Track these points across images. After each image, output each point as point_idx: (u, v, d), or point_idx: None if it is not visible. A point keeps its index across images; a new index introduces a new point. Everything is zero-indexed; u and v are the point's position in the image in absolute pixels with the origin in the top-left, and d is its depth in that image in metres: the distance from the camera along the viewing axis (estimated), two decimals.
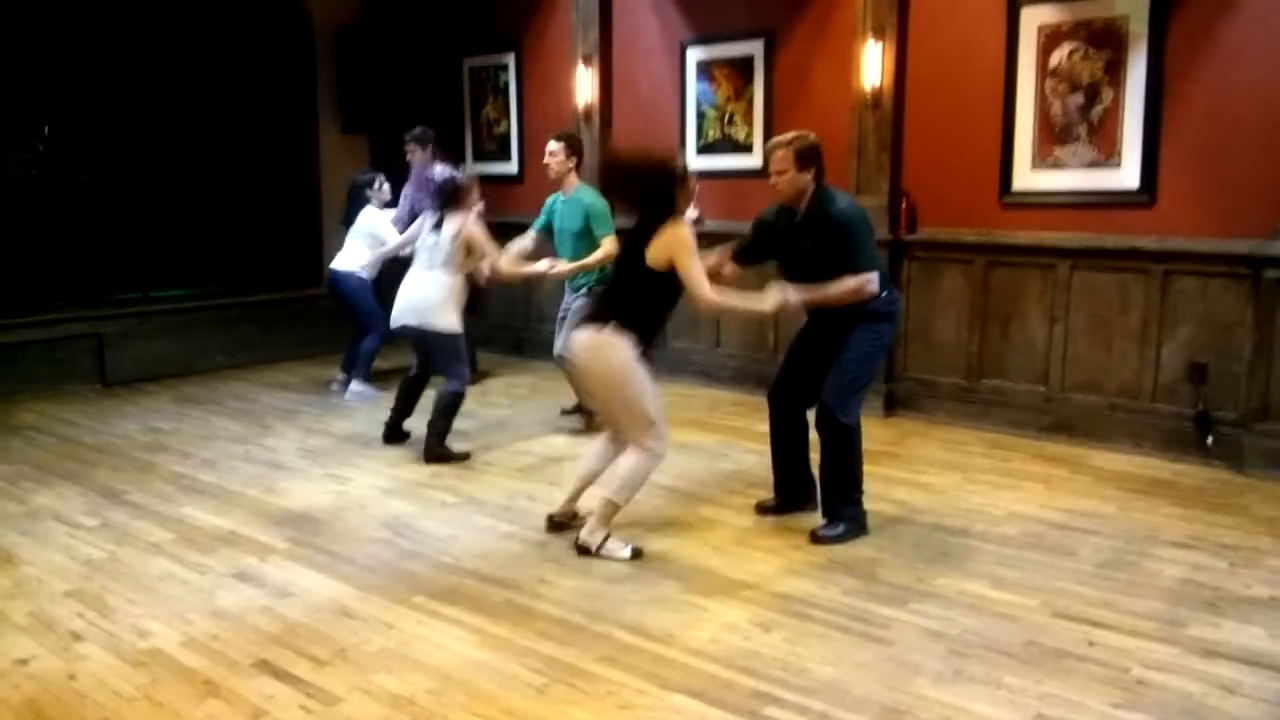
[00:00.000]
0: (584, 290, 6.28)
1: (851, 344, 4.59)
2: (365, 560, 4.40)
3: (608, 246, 6.03)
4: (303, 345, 8.72)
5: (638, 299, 4.38)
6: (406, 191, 7.71)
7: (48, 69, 7.94)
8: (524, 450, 6.07)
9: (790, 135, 4.65)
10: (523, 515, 4.95)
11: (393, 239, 7.23)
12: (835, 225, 4.49)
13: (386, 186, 7.53)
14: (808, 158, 4.53)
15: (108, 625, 3.77)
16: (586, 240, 6.15)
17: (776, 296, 4.45)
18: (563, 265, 6.16)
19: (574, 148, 6.35)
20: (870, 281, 4.48)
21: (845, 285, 4.46)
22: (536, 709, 3.18)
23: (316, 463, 5.83)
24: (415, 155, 7.61)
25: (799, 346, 4.83)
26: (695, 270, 4.26)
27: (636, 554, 4.41)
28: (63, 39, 7.95)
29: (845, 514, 4.66)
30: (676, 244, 4.26)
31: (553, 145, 6.31)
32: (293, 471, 5.67)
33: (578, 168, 6.36)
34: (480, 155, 9.24)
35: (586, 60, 8.13)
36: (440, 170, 7.46)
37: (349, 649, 3.58)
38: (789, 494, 4.92)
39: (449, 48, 9.35)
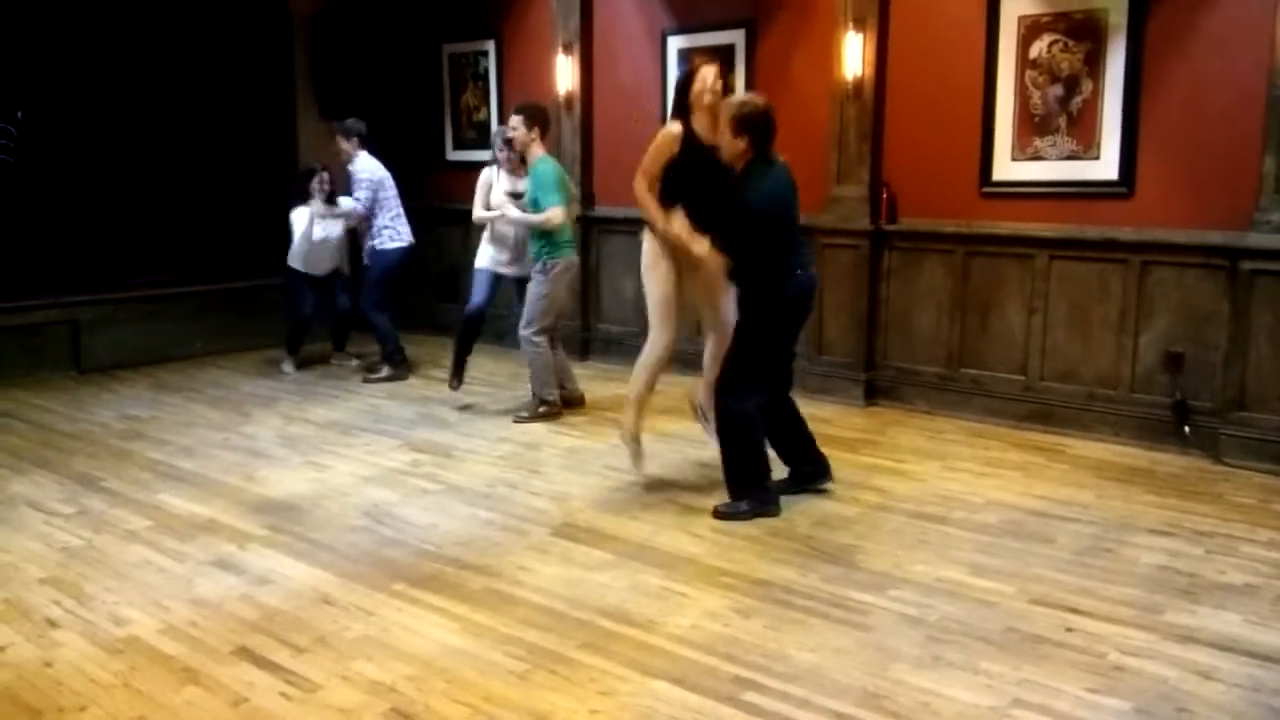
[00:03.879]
0: (539, 264, 6.32)
1: (739, 328, 4.73)
2: (345, 548, 4.38)
3: (550, 214, 6.16)
4: (281, 333, 8.62)
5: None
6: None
7: (21, 54, 7.85)
8: (504, 438, 6.06)
9: (737, 98, 4.74)
10: (503, 503, 4.94)
11: (298, 229, 7.56)
12: (741, 202, 4.59)
13: (315, 184, 7.51)
14: (744, 125, 4.57)
15: (85, 613, 3.75)
16: (539, 209, 6.23)
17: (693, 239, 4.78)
18: (510, 210, 6.39)
19: (533, 118, 6.35)
20: (707, 256, 4.67)
21: (695, 243, 4.72)
22: (517, 696, 3.18)
23: (296, 450, 5.80)
24: (338, 146, 7.50)
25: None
26: (649, 160, 4.87)
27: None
28: (37, 24, 7.86)
29: (746, 495, 4.76)
30: (653, 142, 4.91)
31: (513, 119, 6.37)
32: (272, 459, 5.64)
33: (542, 137, 6.38)
34: (460, 143, 9.20)
35: (567, 48, 8.09)
36: (360, 164, 7.43)
37: (329, 636, 3.57)
38: (798, 465, 5.02)
39: (428, 34, 9.29)
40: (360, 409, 6.74)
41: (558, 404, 6.50)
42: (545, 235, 6.24)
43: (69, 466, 5.51)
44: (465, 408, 6.68)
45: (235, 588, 3.97)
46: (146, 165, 8.52)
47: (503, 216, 6.47)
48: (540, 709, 3.09)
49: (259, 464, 5.55)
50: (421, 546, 4.39)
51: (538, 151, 6.33)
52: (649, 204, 4.87)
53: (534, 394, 6.47)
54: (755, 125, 4.55)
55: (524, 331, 6.32)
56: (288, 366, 7.88)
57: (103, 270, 8.26)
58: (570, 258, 6.41)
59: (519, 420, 6.38)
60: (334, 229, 7.63)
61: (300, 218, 7.56)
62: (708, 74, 4.84)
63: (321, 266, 7.70)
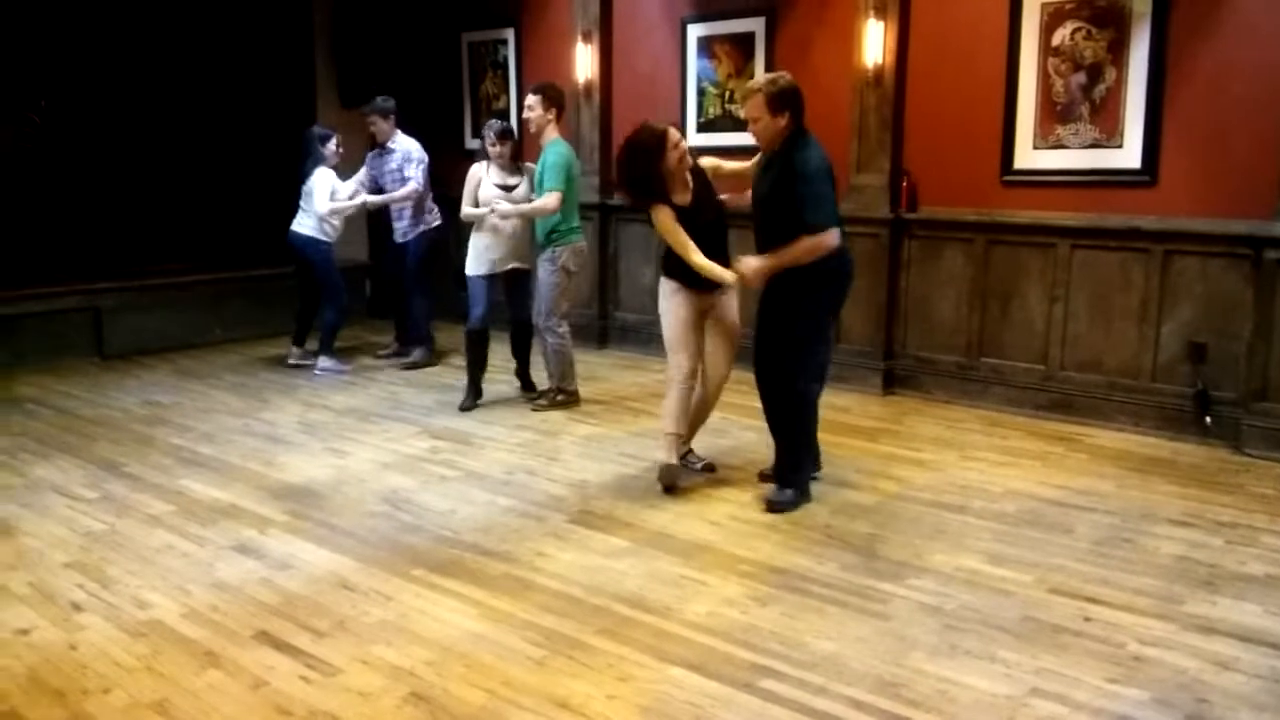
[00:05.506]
0: (548, 251, 6.20)
1: (790, 310, 4.59)
2: (364, 533, 4.41)
3: (546, 200, 6.04)
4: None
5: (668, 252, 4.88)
6: (367, 159, 7.73)
7: (45, 43, 7.90)
8: (522, 425, 6.08)
9: (761, 79, 4.61)
10: (522, 489, 4.96)
11: (320, 203, 7.24)
12: (793, 172, 4.43)
13: (334, 146, 7.39)
14: (781, 102, 4.46)
15: (108, 596, 3.79)
16: (543, 192, 6.13)
17: (738, 269, 4.57)
18: (501, 205, 6.20)
19: (552, 99, 6.26)
20: (825, 239, 4.42)
21: (800, 246, 4.43)
22: (536, 681, 3.19)
23: (316, 437, 5.84)
24: (377, 127, 7.52)
25: (758, 315, 4.79)
26: (679, 241, 4.70)
27: (709, 468, 5.19)
28: (60, 12, 7.90)
29: (792, 480, 4.71)
30: (660, 229, 4.76)
31: (530, 99, 6.28)
32: (292, 445, 5.68)
33: (558, 119, 6.31)
34: (479, 131, 9.17)
35: (586, 36, 8.09)
36: (403, 142, 7.43)
37: (348, 620, 3.59)
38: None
39: (447, 22, 9.30)
40: (379, 396, 6.77)
41: (576, 393, 6.50)
42: (553, 220, 6.14)
43: (92, 452, 5.56)
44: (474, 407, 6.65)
45: (256, 572, 4.00)
46: (168, 153, 8.58)
47: (492, 212, 6.20)
48: (558, 694, 3.11)
49: (279, 450, 5.59)
50: (440, 532, 4.41)
51: (552, 134, 6.24)
52: (705, 266, 4.65)
53: (553, 383, 6.46)
54: (791, 99, 4.48)
55: (543, 322, 6.26)
56: (329, 362, 7.49)
57: (124, 258, 8.33)
58: (578, 243, 6.30)
59: (537, 408, 6.39)
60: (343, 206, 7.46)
61: (327, 181, 7.30)
62: (676, 136, 4.75)
63: (336, 236, 7.48)
